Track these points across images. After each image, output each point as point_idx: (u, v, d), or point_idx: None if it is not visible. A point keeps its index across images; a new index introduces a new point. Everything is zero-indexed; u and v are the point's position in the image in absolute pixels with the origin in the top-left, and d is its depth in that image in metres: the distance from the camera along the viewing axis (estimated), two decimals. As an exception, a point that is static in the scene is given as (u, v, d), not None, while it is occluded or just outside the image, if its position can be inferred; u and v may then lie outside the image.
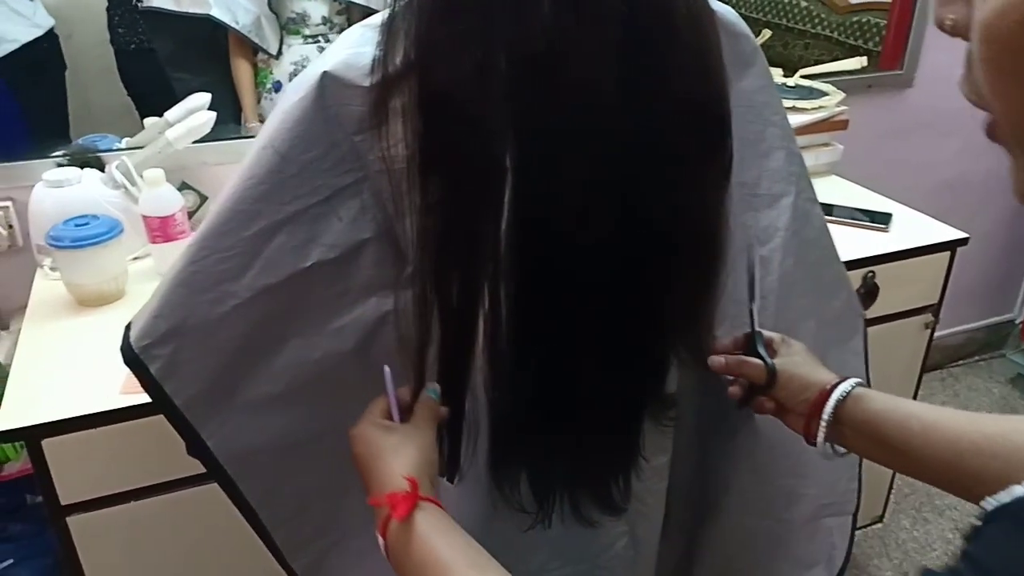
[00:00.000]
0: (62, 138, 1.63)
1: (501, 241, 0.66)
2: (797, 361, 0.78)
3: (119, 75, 1.75)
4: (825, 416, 0.73)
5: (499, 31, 0.61)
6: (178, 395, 0.75)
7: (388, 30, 0.65)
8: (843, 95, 1.84)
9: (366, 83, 0.67)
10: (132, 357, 0.74)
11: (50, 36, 1.64)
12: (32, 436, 1.05)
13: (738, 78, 0.76)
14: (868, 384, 0.95)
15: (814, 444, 0.75)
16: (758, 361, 0.77)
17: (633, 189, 0.66)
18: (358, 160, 0.70)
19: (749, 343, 0.79)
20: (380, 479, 0.65)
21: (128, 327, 0.76)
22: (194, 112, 1.44)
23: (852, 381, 0.74)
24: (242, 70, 1.77)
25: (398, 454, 0.66)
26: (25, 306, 1.35)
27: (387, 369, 0.70)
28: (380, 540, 0.64)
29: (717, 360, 0.79)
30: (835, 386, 0.74)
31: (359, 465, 0.68)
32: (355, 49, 0.68)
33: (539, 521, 0.79)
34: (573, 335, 0.72)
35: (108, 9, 1.69)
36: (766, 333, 0.80)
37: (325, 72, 0.67)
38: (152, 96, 1.74)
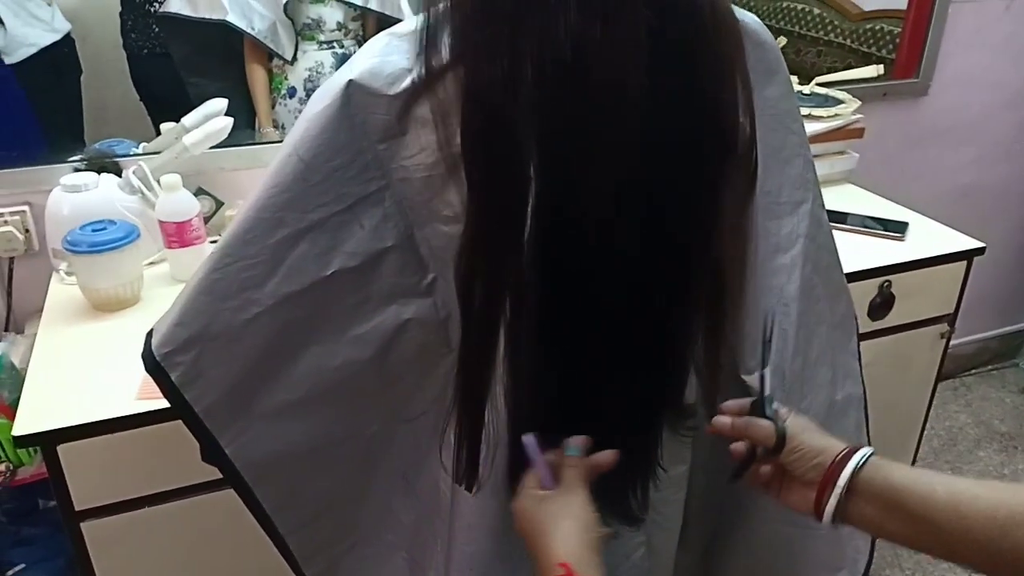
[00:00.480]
0: (77, 142, 1.63)
1: (524, 250, 0.66)
2: (807, 427, 0.72)
3: (131, 80, 1.76)
4: (841, 483, 0.66)
5: (526, 39, 0.61)
6: (198, 402, 0.75)
7: (423, 39, 0.65)
8: (859, 103, 1.83)
9: (391, 92, 0.67)
10: (153, 364, 0.74)
11: (67, 40, 1.65)
12: (48, 441, 1.05)
13: (762, 86, 0.75)
14: (863, 383, 0.94)
15: (820, 518, 0.69)
16: (767, 423, 0.72)
17: (657, 196, 0.66)
18: (381, 168, 0.70)
19: (756, 409, 0.74)
20: (541, 562, 0.66)
21: (150, 334, 0.76)
22: (211, 118, 1.45)
23: (868, 449, 0.68)
24: (257, 75, 1.77)
25: (556, 529, 0.66)
26: (40, 310, 1.35)
27: (531, 438, 0.70)
28: None
29: (722, 421, 0.74)
30: (851, 452, 0.68)
31: (525, 541, 0.69)
32: (381, 58, 0.68)
33: None
34: (594, 344, 0.72)
35: (121, 14, 1.70)
36: (775, 404, 0.75)
37: (351, 80, 0.67)
38: (165, 101, 1.75)
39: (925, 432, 1.84)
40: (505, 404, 0.73)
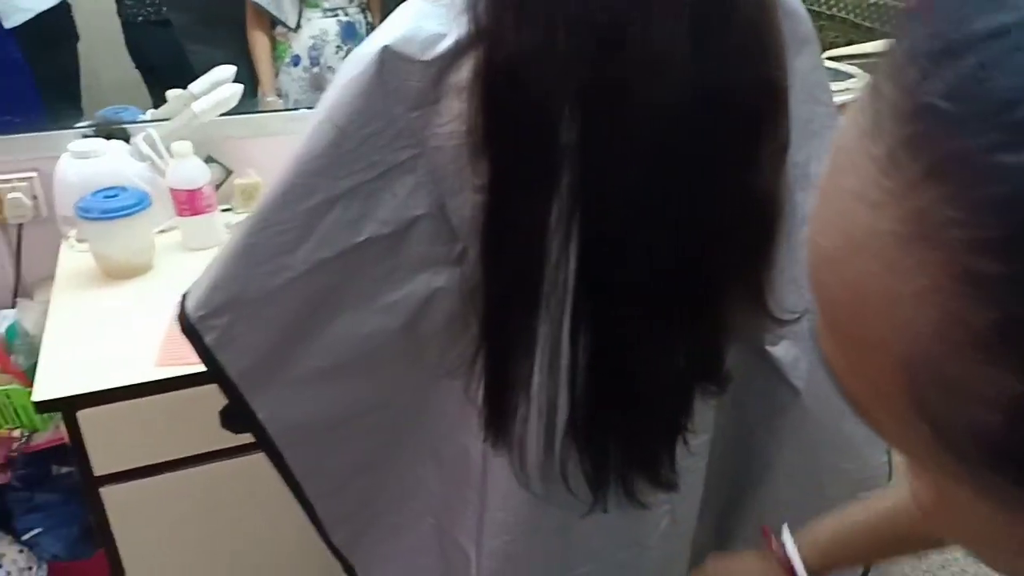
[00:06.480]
0: (75, 110, 1.62)
1: (555, 222, 0.66)
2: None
3: (127, 48, 1.74)
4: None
5: (561, 6, 0.60)
6: (231, 366, 0.75)
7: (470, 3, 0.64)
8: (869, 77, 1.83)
9: (425, 58, 0.66)
10: (188, 327, 0.74)
11: (63, 6, 1.62)
12: (68, 407, 1.06)
13: (793, 56, 0.75)
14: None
15: None
16: None
17: (698, 167, 0.66)
18: (414, 136, 0.70)
19: None
20: None
21: (184, 297, 0.76)
22: (219, 84, 1.43)
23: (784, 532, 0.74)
24: (259, 43, 1.75)
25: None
26: (49, 277, 1.34)
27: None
28: None
29: None
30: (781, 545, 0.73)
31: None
32: (415, 23, 0.67)
33: (595, 507, 0.79)
34: (630, 317, 0.72)
35: (115, -20, 1.68)
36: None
37: (385, 46, 0.67)
38: (161, 69, 1.73)
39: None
40: (539, 379, 0.73)
